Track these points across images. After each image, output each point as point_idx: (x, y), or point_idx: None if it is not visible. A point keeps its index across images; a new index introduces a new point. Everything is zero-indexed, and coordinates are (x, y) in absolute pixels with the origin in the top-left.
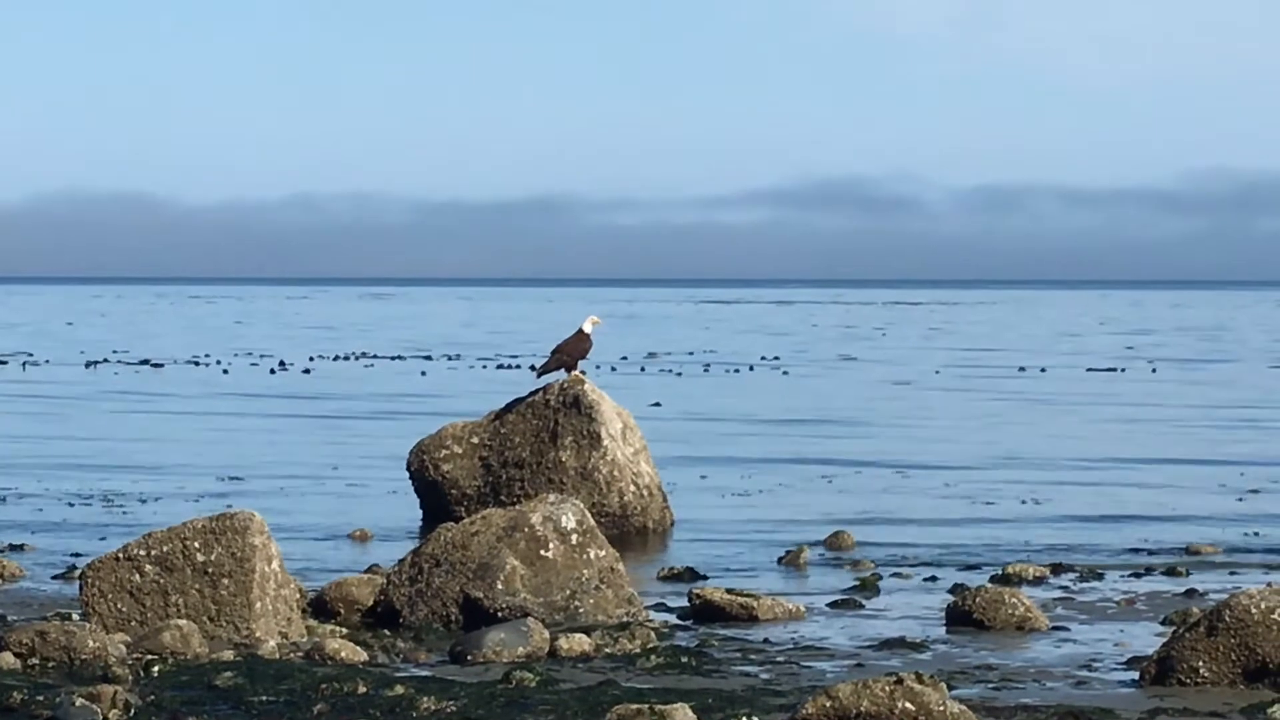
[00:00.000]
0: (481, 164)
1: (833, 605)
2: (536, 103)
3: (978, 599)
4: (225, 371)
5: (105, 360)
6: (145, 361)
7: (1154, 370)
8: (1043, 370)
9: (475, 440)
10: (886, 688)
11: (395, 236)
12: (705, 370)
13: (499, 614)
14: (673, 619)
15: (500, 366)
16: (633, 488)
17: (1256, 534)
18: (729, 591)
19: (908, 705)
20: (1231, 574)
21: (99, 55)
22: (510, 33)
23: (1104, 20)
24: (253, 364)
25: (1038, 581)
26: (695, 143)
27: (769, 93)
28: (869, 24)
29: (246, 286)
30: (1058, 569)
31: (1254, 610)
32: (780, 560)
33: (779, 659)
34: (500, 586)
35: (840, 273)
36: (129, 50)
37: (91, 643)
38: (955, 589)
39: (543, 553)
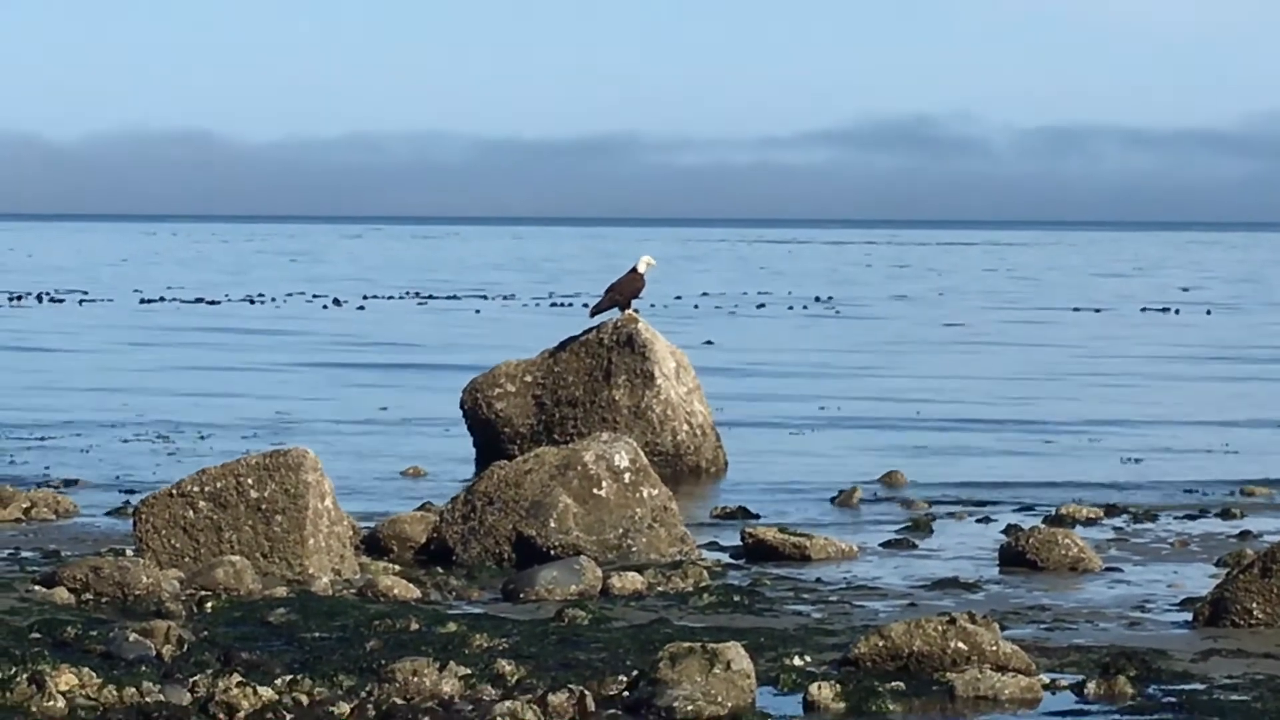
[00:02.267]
0: (541, 103)
1: (886, 545)
2: (597, 42)
3: (1031, 540)
4: (279, 308)
5: (161, 299)
6: (200, 299)
7: (1208, 312)
8: (1097, 311)
9: (529, 379)
10: (939, 627)
11: (453, 175)
12: (759, 310)
13: (551, 552)
14: (725, 558)
15: (554, 305)
16: (686, 427)
17: None
18: (781, 530)
19: (960, 645)
20: None
21: None
22: None
23: None
24: (306, 301)
25: (1091, 522)
26: (755, 83)
27: (829, 33)
28: None
29: (302, 225)
30: (1111, 510)
31: None
32: (833, 500)
33: (831, 598)
34: (553, 525)
35: (899, 213)
36: None
37: (145, 578)
38: (1009, 529)
39: (595, 491)
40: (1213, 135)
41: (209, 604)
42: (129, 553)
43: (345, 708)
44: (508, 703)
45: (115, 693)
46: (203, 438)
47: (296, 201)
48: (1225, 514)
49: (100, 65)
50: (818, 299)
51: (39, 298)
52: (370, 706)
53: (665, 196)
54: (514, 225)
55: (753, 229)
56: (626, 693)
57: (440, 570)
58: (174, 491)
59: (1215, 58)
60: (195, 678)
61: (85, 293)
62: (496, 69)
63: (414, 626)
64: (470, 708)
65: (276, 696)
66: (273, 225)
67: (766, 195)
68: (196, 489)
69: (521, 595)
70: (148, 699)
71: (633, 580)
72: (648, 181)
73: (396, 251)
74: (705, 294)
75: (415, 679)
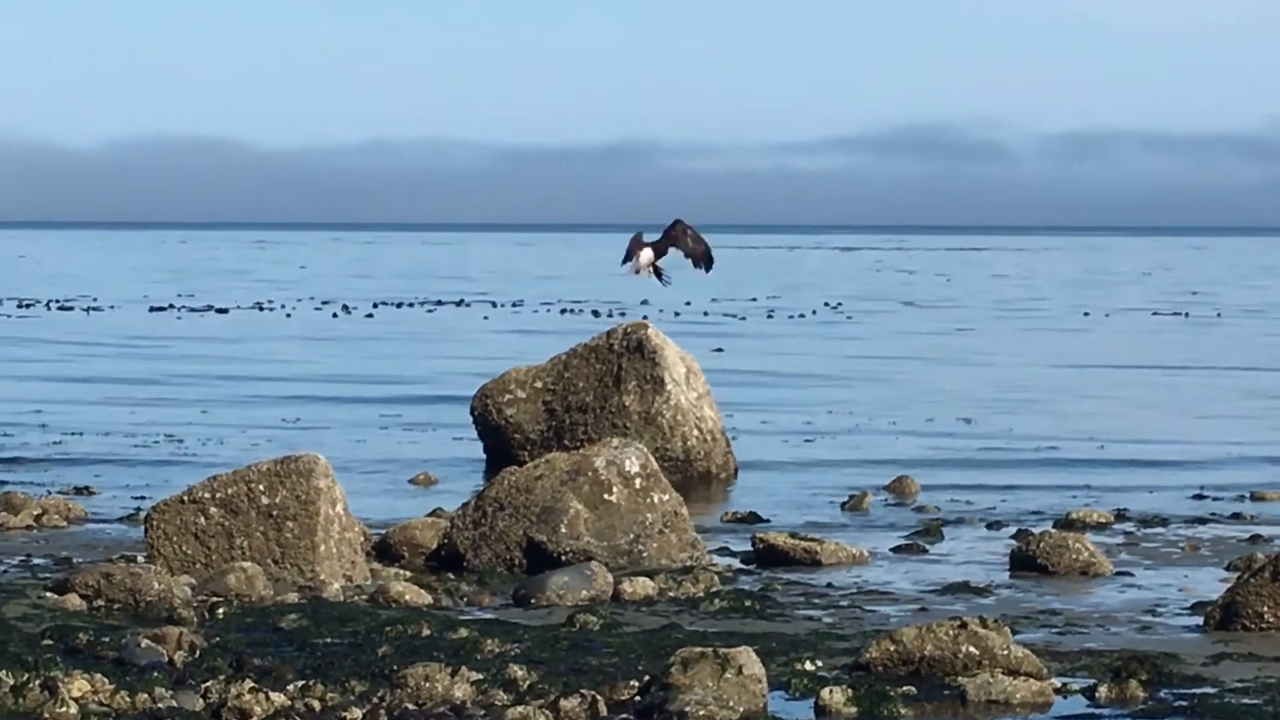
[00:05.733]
0: (560, 109)
1: (896, 550)
2: (616, 48)
3: (1041, 544)
4: (289, 316)
5: (170, 306)
6: (209, 306)
7: (1219, 316)
8: (1107, 315)
9: (539, 384)
10: (950, 631)
11: (471, 182)
12: (769, 317)
13: (562, 558)
14: (736, 563)
15: (564, 311)
16: (696, 432)
17: None
18: (792, 536)
19: (971, 649)
20: None
21: (174, 1)
22: None
23: None
24: (316, 309)
25: (1102, 527)
26: (775, 89)
27: (849, 39)
28: None
29: (316, 232)
30: (1122, 514)
31: None
32: (844, 505)
33: (842, 603)
34: (564, 530)
35: (919, 219)
36: None
37: (157, 585)
38: (1019, 534)
39: (606, 496)
40: (1234, 139)
41: (220, 610)
42: (140, 559)
43: (357, 713)
44: (519, 708)
45: (128, 699)
46: (211, 444)
47: (314, 208)
48: (1236, 517)
49: (117, 72)
50: (827, 304)
51: (47, 305)
52: (382, 712)
53: (683, 203)
54: (532, 231)
55: (771, 235)
56: (638, 698)
57: (451, 576)
58: (185, 498)
59: (1236, 61)
60: (207, 684)
61: (94, 300)
62: (515, 76)
63: (425, 632)
64: (482, 713)
65: (289, 702)
66: (288, 232)
67: (785, 201)
68: (208, 495)
69: (532, 601)
70: (160, 705)
71: (644, 585)
72: (666, 187)
73: (408, 258)
74: (715, 300)
75: (427, 684)
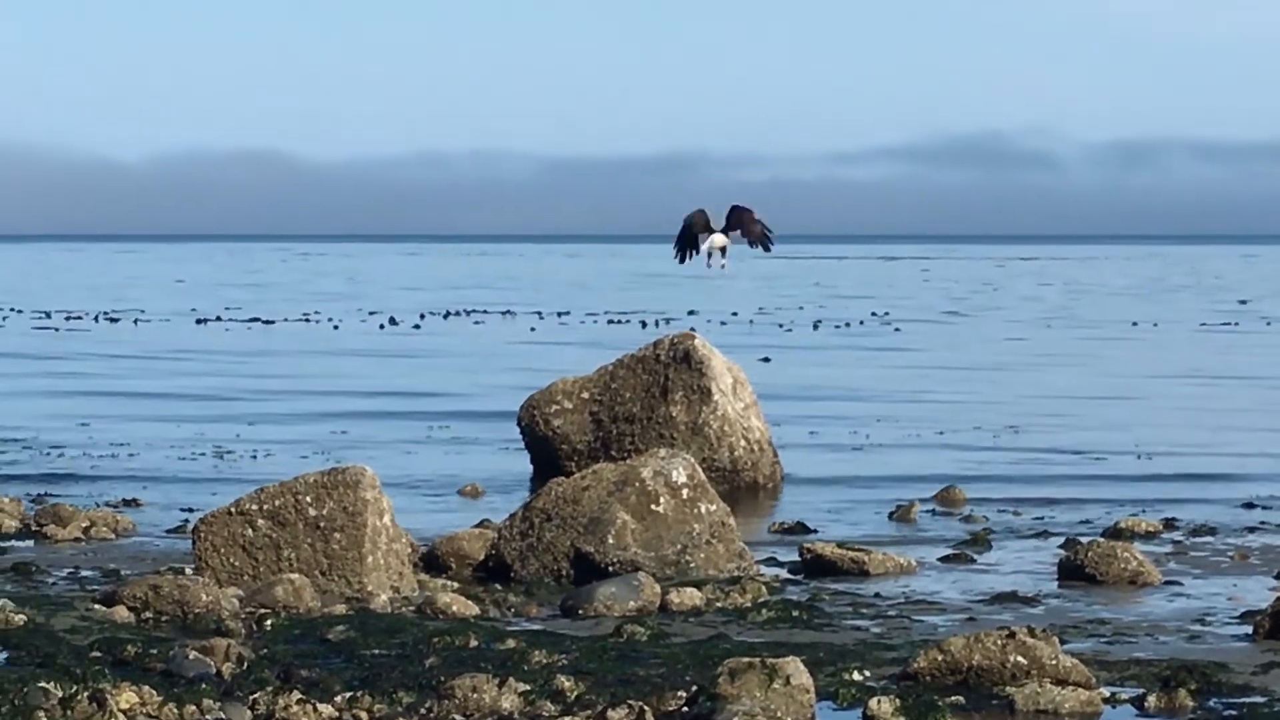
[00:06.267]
0: (609, 120)
1: (944, 560)
2: (666, 59)
3: (1090, 553)
4: (336, 328)
5: (217, 318)
6: (256, 319)
7: (1268, 324)
8: (1155, 325)
9: (585, 395)
10: (998, 641)
11: (521, 193)
12: (815, 327)
13: (610, 568)
14: (784, 573)
15: (611, 322)
16: (743, 443)
17: None
18: (840, 546)
19: (1020, 659)
20: None
21: (222, 13)
22: None
23: None
24: (363, 320)
25: (1150, 536)
26: (823, 99)
27: (897, 50)
28: None
29: (364, 244)
30: (1170, 523)
31: None
32: (891, 515)
33: (890, 613)
34: (611, 541)
35: (969, 229)
36: (252, 7)
37: (204, 596)
38: (1067, 544)
39: (653, 507)
40: None
41: (268, 621)
42: (188, 571)
43: None
44: (567, 718)
45: (176, 710)
46: (258, 456)
47: (363, 220)
48: None
49: (162, 85)
50: (874, 314)
51: (95, 318)
52: None
53: None
54: (581, 243)
55: (819, 244)
56: (686, 708)
57: (499, 587)
58: (233, 510)
59: None
60: (255, 695)
61: (142, 311)
62: (564, 86)
63: (473, 643)
64: None
65: (336, 714)
66: (338, 244)
67: (833, 211)
68: (255, 507)
69: (580, 611)
70: (208, 716)
71: (691, 596)
72: (714, 198)
73: (456, 268)
74: (761, 309)
75: (475, 695)
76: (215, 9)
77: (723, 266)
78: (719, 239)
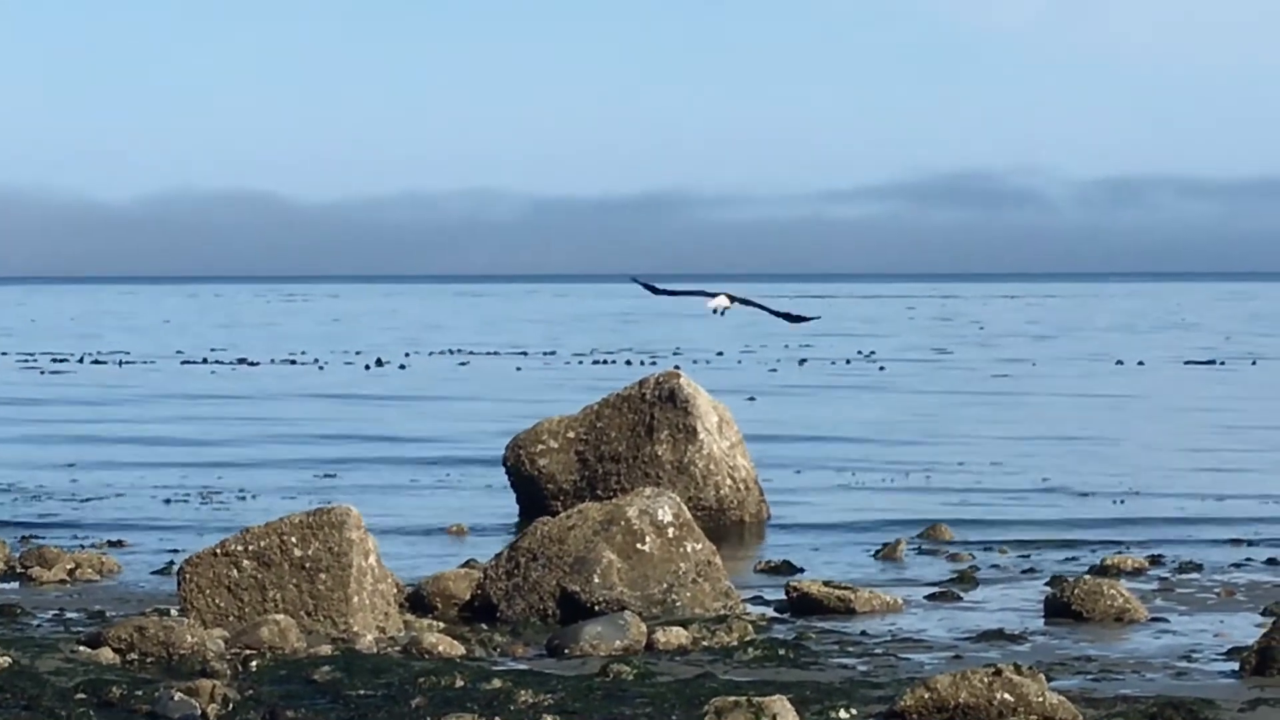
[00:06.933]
0: (595, 160)
1: (930, 598)
2: (652, 98)
3: (1076, 590)
4: (321, 369)
5: (204, 360)
6: (242, 360)
7: (1253, 364)
8: (1140, 363)
9: (571, 435)
10: (985, 679)
11: (508, 234)
12: (801, 364)
13: (596, 607)
14: (770, 612)
15: (596, 362)
16: (729, 481)
17: None
18: (826, 584)
19: (1006, 696)
20: None
21: (205, 51)
22: (625, 29)
23: (1208, 9)
24: (348, 361)
25: (1136, 573)
26: (812, 138)
27: (884, 88)
28: (959, 18)
29: (352, 284)
30: (1156, 560)
31: None
32: (877, 553)
33: (876, 651)
34: (597, 580)
35: (956, 267)
36: (238, 47)
37: (190, 638)
38: (1053, 581)
39: (639, 546)
40: (1273, 183)
41: (254, 662)
42: (174, 612)
43: None
44: None
45: None
46: (244, 498)
47: (351, 261)
48: (1271, 563)
49: (149, 126)
50: (860, 353)
51: (81, 359)
52: None
53: (720, 252)
54: (568, 283)
55: (807, 284)
56: None
57: (484, 627)
58: (218, 551)
59: (1273, 104)
60: None
61: (127, 353)
62: (551, 126)
63: (459, 683)
64: None
65: None
66: (323, 285)
67: (821, 250)
68: (240, 548)
69: (566, 651)
70: None
71: (677, 635)
72: (703, 237)
73: (440, 310)
74: (747, 348)
75: None
76: (203, 50)
77: (722, 314)
78: (723, 300)
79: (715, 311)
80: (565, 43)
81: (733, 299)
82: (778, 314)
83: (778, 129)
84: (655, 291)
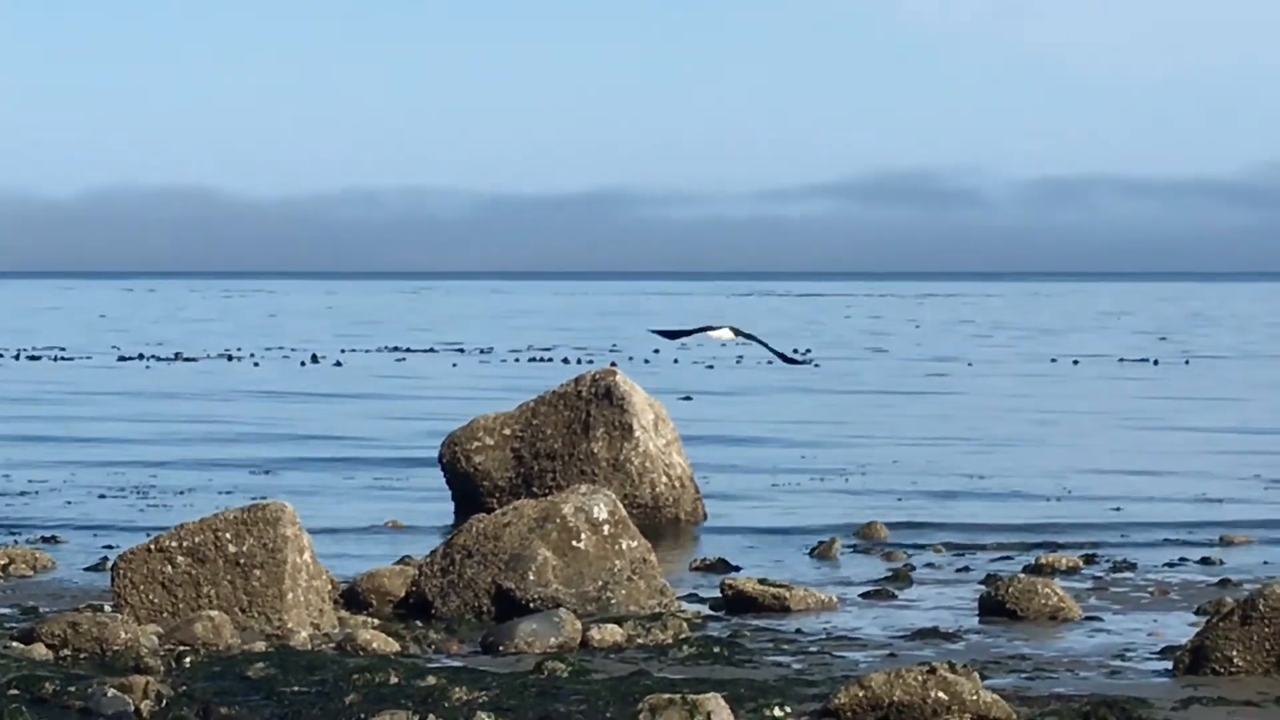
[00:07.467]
0: (538, 158)
1: (865, 596)
2: (593, 97)
3: (1010, 589)
4: (256, 365)
5: (140, 356)
6: (178, 355)
7: (1187, 363)
8: (1075, 362)
9: (507, 432)
10: (919, 677)
11: (451, 230)
12: (737, 362)
13: (531, 605)
14: (705, 609)
15: (532, 360)
16: (664, 479)
17: None
18: (761, 582)
19: (941, 694)
20: (1265, 563)
21: (149, 48)
22: (566, 29)
23: (1148, 12)
24: (284, 357)
25: (1071, 571)
26: (754, 137)
27: (827, 88)
28: (903, 18)
29: (294, 280)
30: (1090, 559)
31: None
32: (812, 551)
33: (811, 649)
34: (532, 577)
35: (898, 265)
36: (181, 43)
37: (123, 634)
38: (988, 579)
39: (574, 543)
40: (1214, 184)
41: (187, 659)
42: (107, 608)
43: None
44: None
45: None
46: (179, 494)
47: (295, 257)
48: (1205, 562)
49: (93, 121)
50: (795, 350)
51: (16, 355)
52: None
53: (661, 250)
54: (511, 279)
55: (750, 281)
56: None
57: (419, 624)
58: (152, 546)
59: (1214, 107)
60: None
61: (63, 349)
62: (494, 123)
63: (393, 680)
64: None
65: None
66: (262, 281)
67: (764, 248)
68: (174, 544)
69: (501, 648)
70: None
71: (612, 632)
72: (646, 235)
73: (378, 305)
74: (684, 346)
75: None
76: (146, 46)
77: (723, 344)
78: (727, 333)
79: (721, 344)
80: (507, 41)
81: (737, 332)
82: (776, 353)
83: (722, 127)
84: (672, 336)
